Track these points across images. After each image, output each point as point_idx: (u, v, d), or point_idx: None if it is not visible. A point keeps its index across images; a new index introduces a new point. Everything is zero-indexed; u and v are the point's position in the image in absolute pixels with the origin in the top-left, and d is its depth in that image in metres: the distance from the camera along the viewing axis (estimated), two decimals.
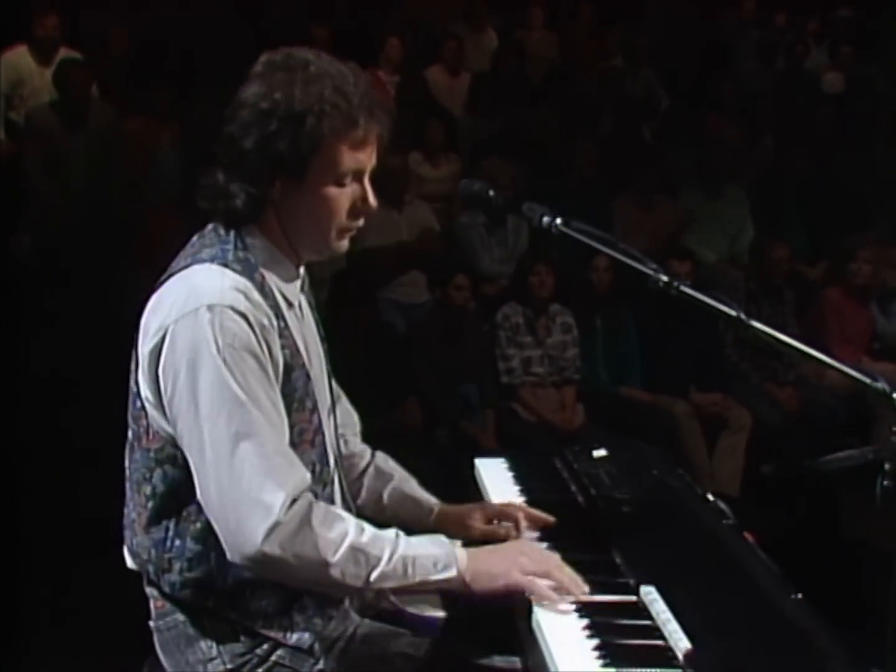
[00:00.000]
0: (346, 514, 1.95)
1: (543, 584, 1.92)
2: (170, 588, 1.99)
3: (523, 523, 2.25)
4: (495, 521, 2.29)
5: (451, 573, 1.92)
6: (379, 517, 2.25)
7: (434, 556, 1.93)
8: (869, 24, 9.39)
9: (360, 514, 2.20)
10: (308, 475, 1.93)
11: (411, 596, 1.98)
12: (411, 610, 2.04)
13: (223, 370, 1.86)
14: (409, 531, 2.09)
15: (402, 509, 2.29)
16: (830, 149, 7.59)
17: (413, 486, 2.33)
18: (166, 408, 1.92)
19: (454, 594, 1.98)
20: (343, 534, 1.88)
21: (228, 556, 1.89)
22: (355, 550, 1.88)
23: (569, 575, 1.95)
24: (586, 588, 1.95)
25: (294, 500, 1.87)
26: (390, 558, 1.90)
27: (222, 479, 1.86)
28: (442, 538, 1.99)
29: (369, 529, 1.92)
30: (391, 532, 1.94)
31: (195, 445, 1.88)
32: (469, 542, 2.21)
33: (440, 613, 2.02)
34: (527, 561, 1.96)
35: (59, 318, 5.55)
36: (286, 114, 1.90)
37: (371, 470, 2.32)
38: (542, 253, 5.63)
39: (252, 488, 1.85)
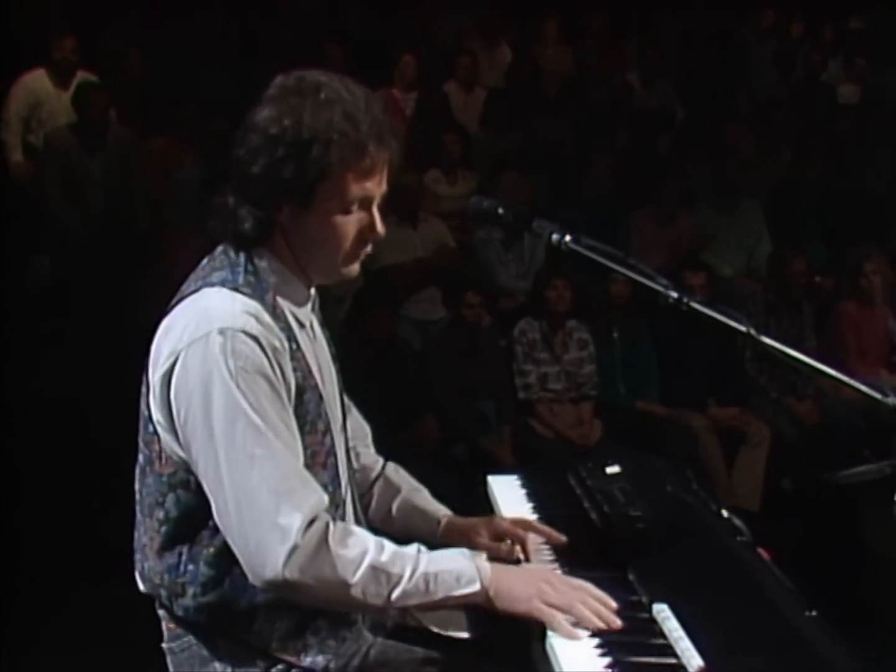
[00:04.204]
0: (365, 533, 1.94)
1: (563, 620, 1.87)
2: (183, 612, 1.99)
3: (530, 546, 2.22)
4: (506, 541, 2.26)
5: (475, 588, 1.91)
6: (389, 529, 2.25)
7: (457, 571, 1.91)
8: (883, 34, 9.35)
9: (370, 527, 2.20)
10: (325, 496, 1.93)
11: (436, 614, 1.96)
12: (435, 629, 2.02)
13: (236, 393, 1.86)
14: (420, 543, 2.09)
15: (409, 522, 2.28)
16: (848, 159, 7.56)
17: (422, 497, 2.32)
18: (179, 432, 1.92)
19: (478, 609, 1.96)
20: (363, 553, 1.88)
21: (250, 578, 1.89)
22: (375, 570, 1.87)
23: (594, 608, 1.89)
24: (617, 621, 1.87)
25: (311, 522, 1.87)
26: (412, 576, 1.89)
27: (240, 503, 1.86)
28: (466, 551, 1.98)
29: (389, 547, 1.91)
30: (412, 548, 1.93)
31: (211, 469, 1.88)
32: None
33: (464, 634, 2.00)
34: (551, 591, 1.92)
35: (75, 340, 5.58)
36: (294, 140, 1.90)
37: (381, 482, 2.32)
38: (558, 268, 5.62)
39: (269, 511, 1.85)
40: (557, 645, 1.85)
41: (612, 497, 2.42)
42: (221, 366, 1.87)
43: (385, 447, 2.40)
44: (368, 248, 2.04)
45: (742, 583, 2.04)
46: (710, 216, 6.86)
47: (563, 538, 2.23)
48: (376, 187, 1.98)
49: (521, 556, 2.21)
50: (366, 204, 1.98)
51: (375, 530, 2.03)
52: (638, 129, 7.71)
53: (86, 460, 4.94)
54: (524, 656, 1.98)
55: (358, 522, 2.16)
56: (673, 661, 1.79)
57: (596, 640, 1.85)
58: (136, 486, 2.05)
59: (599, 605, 1.90)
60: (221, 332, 1.88)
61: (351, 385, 2.24)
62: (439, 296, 5.98)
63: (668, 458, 2.79)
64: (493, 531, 2.27)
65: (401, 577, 1.88)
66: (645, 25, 9.38)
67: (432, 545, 2.16)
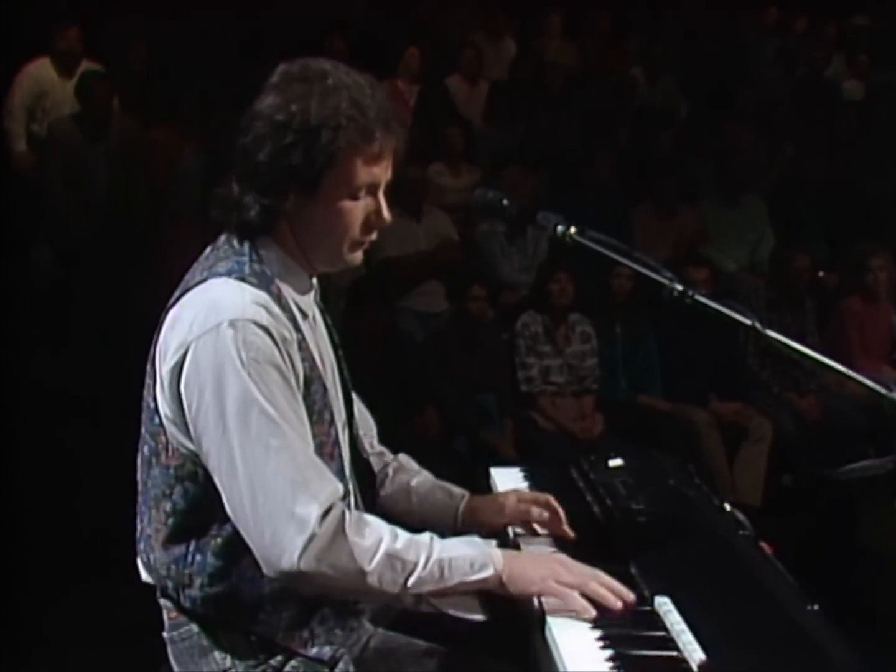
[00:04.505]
0: (379, 521, 1.94)
1: (578, 597, 1.89)
2: (190, 603, 1.99)
3: (560, 510, 2.23)
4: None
5: (489, 572, 1.92)
6: (404, 507, 2.26)
7: (470, 556, 1.92)
8: (886, 30, 9.35)
9: (384, 507, 2.21)
10: (340, 485, 1.93)
11: (450, 598, 1.96)
12: (451, 612, 2.01)
13: (250, 384, 1.86)
14: (435, 522, 2.09)
15: (431, 497, 2.28)
16: (850, 156, 7.56)
17: (439, 480, 2.33)
18: (190, 425, 1.91)
19: (492, 595, 1.96)
20: (378, 541, 1.88)
21: (264, 570, 1.88)
22: (391, 557, 1.88)
23: (608, 586, 1.91)
24: (631, 595, 1.91)
25: (327, 511, 1.86)
26: (426, 562, 1.89)
27: (256, 494, 1.85)
28: (476, 539, 1.99)
29: (403, 535, 1.92)
30: (426, 536, 1.94)
31: (224, 461, 1.88)
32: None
33: (479, 616, 2.00)
34: (564, 571, 1.94)
35: (76, 330, 5.57)
36: (302, 126, 1.90)
37: (395, 463, 2.33)
38: (561, 261, 5.62)
39: (286, 501, 1.85)
40: (559, 638, 1.85)
41: (615, 490, 2.42)
42: (234, 357, 1.86)
43: (386, 440, 2.40)
44: (373, 236, 2.04)
45: (744, 576, 2.04)
46: (712, 211, 6.86)
47: (571, 534, 2.23)
48: (383, 173, 1.98)
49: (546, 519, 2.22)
50: (373, 190, 1.98)
51: (386, 516, 2.03)
52: (641, 125, 7.70)
53: (86, 453, 4.94)
54: (525, 649, 1.98)
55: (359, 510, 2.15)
56: (675, 654, 1.79)
57: (598, 633, 1.85)
58: (140, 478, 2.04)
59: (611, 588, 1.91)
60: (232, 323, 1.87)
61: (352, 377, 2.23)
62: (441, 288, 5.97)
63: (670, 453, 2.79)
64: (519, 499, 2.27)
65: (416, 564, 1.89)
66: (648, 22, 9.37)
67: (449, 528, 2.17)
